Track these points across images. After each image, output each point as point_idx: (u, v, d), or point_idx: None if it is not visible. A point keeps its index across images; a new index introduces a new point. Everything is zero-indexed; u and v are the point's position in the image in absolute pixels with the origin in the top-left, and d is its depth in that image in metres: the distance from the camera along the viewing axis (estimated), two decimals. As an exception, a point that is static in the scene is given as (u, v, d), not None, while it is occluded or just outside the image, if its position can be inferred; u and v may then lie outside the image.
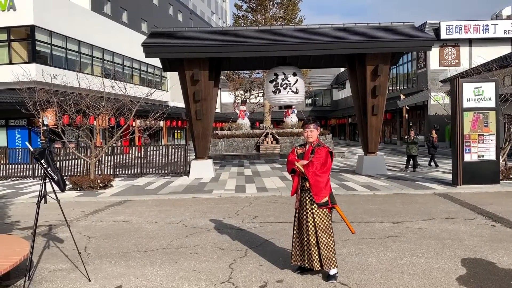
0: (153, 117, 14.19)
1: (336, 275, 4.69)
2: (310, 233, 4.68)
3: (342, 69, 50.67)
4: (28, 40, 23.57)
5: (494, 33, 29.58)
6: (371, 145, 15.12)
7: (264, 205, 9.53)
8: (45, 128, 5.08)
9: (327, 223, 4.69)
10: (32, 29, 23.18)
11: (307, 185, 4.71)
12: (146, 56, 14.17)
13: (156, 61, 26.41)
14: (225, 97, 52.45)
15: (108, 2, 34.95)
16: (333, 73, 56.02)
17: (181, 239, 6.58)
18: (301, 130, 26.81)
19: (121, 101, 13.42)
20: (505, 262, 5.18)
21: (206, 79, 14.51)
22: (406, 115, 31.72)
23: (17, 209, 9.65)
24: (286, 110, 29.82)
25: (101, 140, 23.82)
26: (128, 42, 31.63)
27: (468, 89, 11.38)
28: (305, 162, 4.72)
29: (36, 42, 23.38)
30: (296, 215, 4.88)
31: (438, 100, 22.10)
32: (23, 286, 4.46)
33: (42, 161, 4.58)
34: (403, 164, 16.70)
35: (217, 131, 28.08)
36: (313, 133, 4.80)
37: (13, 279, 4.84)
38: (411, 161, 15.73)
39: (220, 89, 53.82)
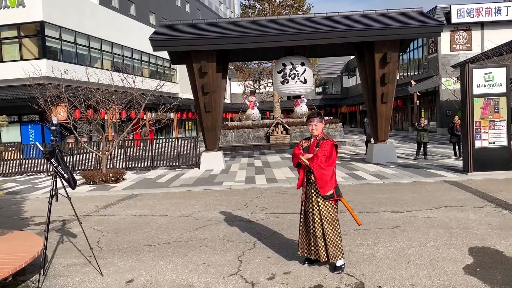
0: (162, 110, 14.30)
1: (343, 266, 4.75)
2: (316, 225, 4.74)
3: (352, 56, 50.20)
4: (38, 36, 23.81)
5: (507, 15, 28.99)
6: (381, 133, 15.06)
7: (274, 196, 9.61)
8: (54, 127, 5.14)
9: (333, 215, 4.74)
10: (41, 25, 23.42)
11: (313, 178, 4.76)
12: (154, 50, 14.24)
13: (165, 54, 26.49)
14: (235, 87, 52.51)
15: (116, -4, 35.04)
16: (343, 60, 55.55)
17: (191, 232, 6.69)
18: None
19: (131, 95, 13.53)
20: (513, 250, 5.18)
21: (214, 71, 14.55)
22: (417, 101, 31.41)
23: (32, 205, 9.87)
24: (295, 99, 29.76)
25: (112, 134, 24.10)
26: (136, 35, 31.74)
27: (478, 75, 11.24)
28: (310, 155, 4.76)
29: (46, 38, 23.62)
30: (303, 208, 4.94)
31: (449, 85, 21.85)
32: (38, 281, 4.60)
33: (52, 160, 4.69)
34: (414, 151, 16.61)
35: (227, 122, 28.16)
36: (317, 126, 4.83)
37: (28, 274, 4.99)
38: (422, 149, 15.64)
39: (230, 79, 53.82)
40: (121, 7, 34.24)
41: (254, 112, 28.85)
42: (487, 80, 11.24)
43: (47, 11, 23.42)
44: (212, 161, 15.43)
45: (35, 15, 23.23)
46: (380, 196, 9.04)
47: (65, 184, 5.01)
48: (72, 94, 12.94)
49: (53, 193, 4.79)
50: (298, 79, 15.18)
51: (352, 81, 54.03)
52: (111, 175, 12.70)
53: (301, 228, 4.95)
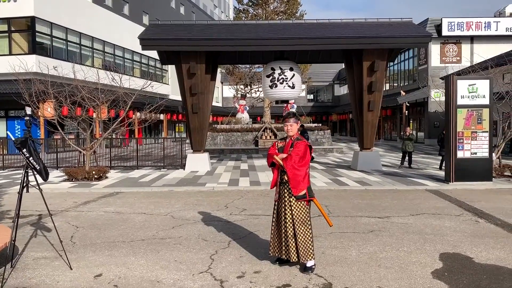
0: (148, 109, 14.25)
1: (313, 267, 4.76)
2: (288, 225, 4.75)
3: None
4: (28, 32, 23.64)
5: (496, 30, 29.41)
6: (367, 141, 15.14)
7: (255, 198, 9.60)
8: (27, 118, 5.08)
9: (304, 215, 4.75)
10: (32, 20, 23.24)
11: (286, 178, 4.77)
12: (143, 49, 14.21)
13: (156, 54, 26.48)
14: (227, 91, 52.48)
15: (110, -5, 34.91)
16: (335, 69, 55.90)
17: (167, 230, 6.66)
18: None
19: (117, 93, 13.47)
20: (483, 257, 5.23)
21: (203, 72, 14.54)
22: (406, 111, 31.67)
23: (10, 199, 9.77)
24: (285, 105, 29.85)
25: (100, 132, 23.93)
26: (129, 34, 31.61)
27: (462, 86, 11.37)
28: (285, 155, 4.78)
29: (37, 33, 23.45)
30: (275, 207, 4.95)
31: (438, 97, 22.07)
32: (3, 273, 4.54)
33: (24, 150, 4.64)
34: (400, 160, 16.71)
35: (216, 125, 28.14)
36: (292, 127, 4.86)
37: (-4, 266, 4.93)
38: (407, 157, 15.77)
39: (222, 83, 53.93)
40: (115, 6, 34.12)
41: (244, 116, 28.88)
42: (471, 92, 11.38)
43: (38, 6, 23.27)
44: (198, 162, 15.39)
45: (26, 10, 23.06)
46: (360, 201, 9.08)
47: (38, 176, 4.96)
48: (57, 90, 12.84)
49: (24, 184, 4.74)
50: (287, 84, 15.24)
51: (343, 90, 54.33)
52: (93, 172, 12.61)
53: (273, 228, 4.96)
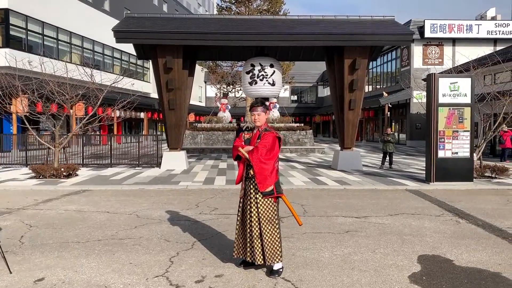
0: (120, 104, 13.68)
1: (280, 270, 4.33)
2: (253, 224, 4.32)
3: (328, 66, 50.19)
4: (1, 24, 22.74)
5: (478, 33, 29.57)
6: (347, 140, 14.82)
7: (229, 197, 9.16)
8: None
9: (272, 213, 4.33)
10: (6, 12, 22.37)
11: (252, 172, 4.34)
12: (117, 42, 13.68)
13: (135, 51, 25.75)
14: (210, 91, 51.90)
15: (90, -11, 34.03)
16: (319, 70, 55.70)
17: (128, 230, 6.16)
18: (282, 125, 25.96)
19: (88, 87, 12.88)
20: (464, 259, 4.88)
21: (180, 67, 14.03)
22: (388, 113, 31.59)
23: (-33, 196, 9.12)
24: (267, 103, 29.45)
25: (77, 130, 23.16)
26: (109, 31, 30.79)
27: (444, 84, 11.12)
28: (251, 148, 4.35)
29: (10, 26, 22.59)
30: (240, 205, 4.51)
31: (420, 98, 21.94)
32: None
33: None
34: (381, 161, 16.46)
35: (196, 124, 27.59)
36: (260, 116, 4.43)
37: None
38: (387, 158, 15.52)
39: (205, 82, 53.32)
40: (95, 1, 33.30)
41: (225, 115, 28.38)
42: (453, 90, 11.13)
43: (13, -2, 22.43)
44: (174, 160, 14.87)
45: (-1, 2, 22.20)
46: (338, 201, 8.70)
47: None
48: (24, 83, 12.19)
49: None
50: (267, 81, 14.87)
51: (327, 91, 54.18)
52: (62, 169, 12.00)
53: (238, 227, 4.52)
